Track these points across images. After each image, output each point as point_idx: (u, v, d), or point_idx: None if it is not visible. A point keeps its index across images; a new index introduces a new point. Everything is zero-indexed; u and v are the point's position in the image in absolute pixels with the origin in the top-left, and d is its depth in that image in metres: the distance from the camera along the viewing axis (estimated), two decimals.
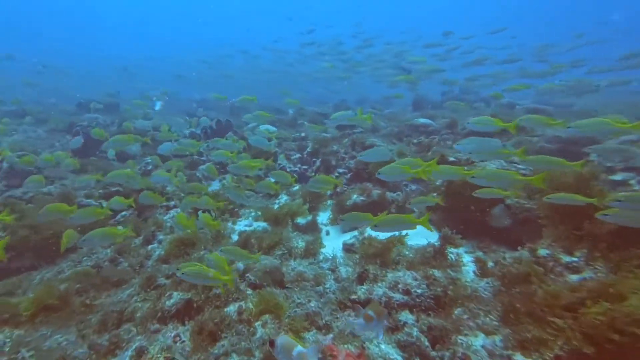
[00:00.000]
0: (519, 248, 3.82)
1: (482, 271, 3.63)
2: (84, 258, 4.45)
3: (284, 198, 7.71)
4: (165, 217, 6.11)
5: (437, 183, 5.74)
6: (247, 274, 3.85)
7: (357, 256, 4.74)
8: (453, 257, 3.96)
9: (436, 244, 4.37)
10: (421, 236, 5.18)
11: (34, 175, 4.52)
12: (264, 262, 3.99)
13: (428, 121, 10.37)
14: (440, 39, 14.76)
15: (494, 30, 13.24)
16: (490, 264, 3.75)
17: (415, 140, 8.65)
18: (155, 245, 5.29)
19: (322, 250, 5.01)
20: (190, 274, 2.80)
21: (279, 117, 16.20)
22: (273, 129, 10.31)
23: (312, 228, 6.10)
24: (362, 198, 6.21)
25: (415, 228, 3.72)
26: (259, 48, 23.98)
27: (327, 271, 4.32)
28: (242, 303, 3.35)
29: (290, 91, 13.68)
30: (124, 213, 6.01)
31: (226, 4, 59.17)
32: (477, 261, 3.84)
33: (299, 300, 3.54)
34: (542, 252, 3.59)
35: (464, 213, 5.00)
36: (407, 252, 4.31)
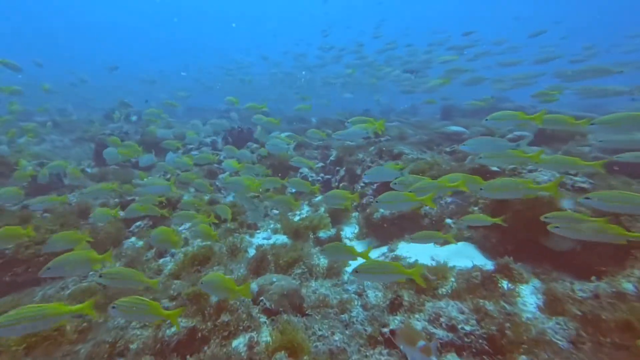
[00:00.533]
0: (593, 279, 3.08)
1: (550, 307, 2.92)
2: (91, 272, 4.15)
3: (305, 209, 7.24)
4: (180, 228, 5.79)
5: (478, 196, 5.05)
6: (262, 297, 3.35)
7: None
8: (506, 285, 3.27)
9: (483, 266, 3.70)
10: (462, 256, 4.50)
11: (11, 188, 4.23)
12: (280, 283, 3.49)
13: (461, 129, 9.63)
14: (467, 41, 13.85)
15: (533, 34, 12.26)
16: (557, 296, 3.03)
17: (448, 149, 7.94)
18: (168, 258, 4.94)
19: (347, 269, 4.45)
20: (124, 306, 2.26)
21: (302, 126, 15.95)
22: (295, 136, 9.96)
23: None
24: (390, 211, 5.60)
25: (403, 280, 3.23)
26: (280, 53, 24.06)
27: (353, 295, 3.75)
28: (254, 334, 2.85)
29: (311, 97, 13.40)
30: (138, 223, 5.76)
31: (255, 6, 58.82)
32: (540, 293, 3.13)
33: (320, 332, 2.99)
34: (627, 286, 2.84)
35: (513, 231, 4.28)
36: (448, 276, 3.65)
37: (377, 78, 15.48)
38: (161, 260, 4.85)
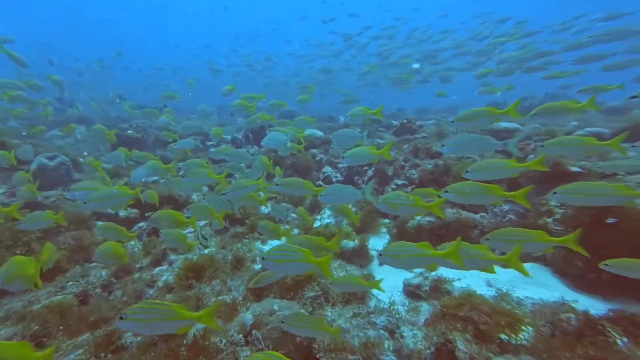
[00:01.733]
0: None
1: None
2: (69, 283, 3.51)
3: (326, 213, 6.32)
4: (184, 232, 5.11)
5: (553, 204, 3.85)
6: (256, 331, 2.47)
7: (427, 307, 3.12)
8: (623, 343, 2.12)
9: (572, 303, 2.56)
10: (532, 283, 3.34)
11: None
12: (284, 312, 2.60)
13: (514, 124, 8.24)
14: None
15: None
16: None
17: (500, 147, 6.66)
18: (165, 267, 4.24)
19: (374, 292, 3.47)
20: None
21: (329, 124, 15.08)
22: (319, 133, 9.09)
23: (361, 256, 4.58)
24: (429, 218, 4.53)
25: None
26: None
27: (382, 332, 2.77)
28: None
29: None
30: (141, 224, 5.16)
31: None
32: None
33: None
34: None
35: (612, 252, 3.07)
36: (521, 315, 2.55)
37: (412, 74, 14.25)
38: (156, 270, 4.15)
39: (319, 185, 7.26)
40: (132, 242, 4.98)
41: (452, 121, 3.31)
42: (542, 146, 2.95)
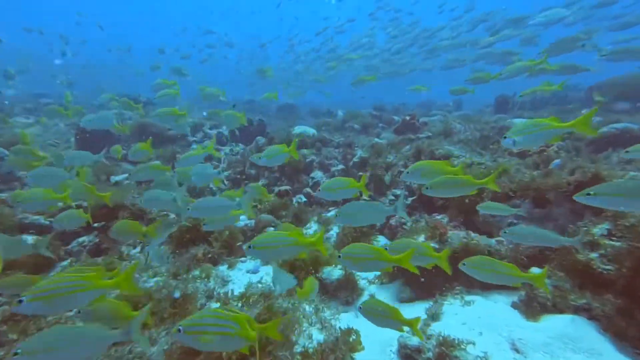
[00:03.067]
0: None
1: None
2: None
3: (313, 227, 5.42)
4: (133, 252, 4.24)
5: (596, 231, 2.91)
6: None
7: None
8: None
9: None
10: (573, 347, 2.43)
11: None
12: None
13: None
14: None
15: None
16: None
17: (515, 149, 5.69)
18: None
19: (357, 356, 2.59)
20: None
21: (327, 119, 14.11)
22: (312, 131, 8.15)
23: (347, 289, 3.69)
24: (433, 244, 3.61)
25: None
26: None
27: None
28: None
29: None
30: (82, 239, 4.28)
31: None
32: None
33: None
34: None
35: None
36: None
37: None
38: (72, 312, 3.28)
39: (308, 193, 6.36)
40: (66, 262, 4.12)
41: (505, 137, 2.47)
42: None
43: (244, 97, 21.53)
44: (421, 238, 3.70)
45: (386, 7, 16.48)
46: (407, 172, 2.75)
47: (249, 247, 2.15)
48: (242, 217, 5.28)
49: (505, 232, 2.67)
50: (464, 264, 2.40)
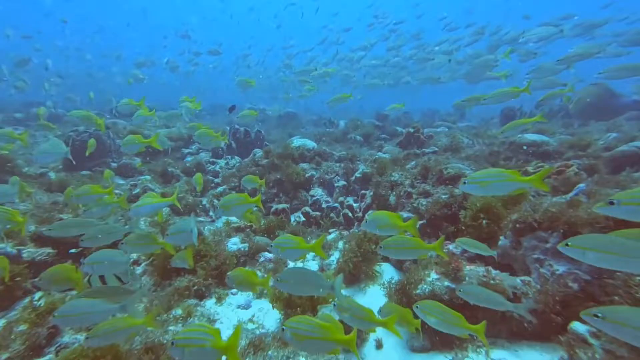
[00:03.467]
0: None
1: None
2: None
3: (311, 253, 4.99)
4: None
5: None
6: None
7: None
8: None
9: None
10: None
11: None
12: None
13: (541, 137, 6.86)
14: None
15: None
16: None
17: (531, 167, 5.27)
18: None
19: None
20: None
21: (328, 130, 13.76)
22: (311, 144, 7.77)
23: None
24: (447, 283, 3.18)
25: None
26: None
27: None
28: None
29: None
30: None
31: None
32: None
33: None
34: None
35: None
36: None
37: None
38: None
39: (306, 212, 5.95)
40: (37, 294, 3.68)
41: None
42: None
43: (245, 105, 21.27)
44: (432, 274, 3.28)
45: (383, 18, 16.45)
46: (365, 221, 2.75)
47: (282, 329, 1.97)
48: (234, 241, 4.88)
49: (460, 291, 2.64)
50: (417, 307, 2.44)
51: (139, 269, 3.82)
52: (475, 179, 2.47)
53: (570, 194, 3.81)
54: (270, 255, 4.62)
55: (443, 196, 4.45)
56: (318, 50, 18.56)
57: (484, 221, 3.84)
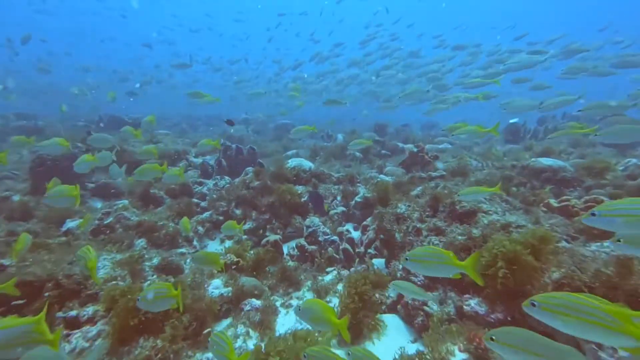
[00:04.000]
0: None
1: None
2: None
3: (306, 297, 4.33)
4: None
5: None
6: None
7: None
8: None
9: None
10: None
11: None
12: None
13: (558, 162, 6.31)
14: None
15: None
16: None
17: (555, 203, 4.67)
18: None
19: None
20: None
21: (326, 144, 13.20)
22: (308, 164, 7.16)
23: None
24: (468, 346, 2.54)
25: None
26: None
27: None
28: None
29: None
30: None
31: None
32: None
33: None
34: None
35: None
36: None
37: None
38: None
39: (302, 246, 5.29)
40: None
41: None
42: None
43: (241, 116, 20.71)
44: (455, 351, 2.64)
45: (376, 35, 16.31)
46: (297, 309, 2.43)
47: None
48: (215, 284, 4.21)
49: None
50: None
51: (93, 330, 3.13)
52: (416, 256, 2.40)
53: (611, 245, 3.21)
54: (257, 303, 3.95)
55: (459, 237, 3.84)
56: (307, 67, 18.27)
57: (501, 270, 3.15)
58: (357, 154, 10.28)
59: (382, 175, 7.17)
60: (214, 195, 6.56)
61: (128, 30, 41.14)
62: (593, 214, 1.94)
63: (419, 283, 3.81)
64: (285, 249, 5.50)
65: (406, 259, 2.46)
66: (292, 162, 7.08)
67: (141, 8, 40.79)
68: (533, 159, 6.55)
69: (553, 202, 4.65)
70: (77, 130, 12.25)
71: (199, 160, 8.51)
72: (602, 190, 5.61)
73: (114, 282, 3.62)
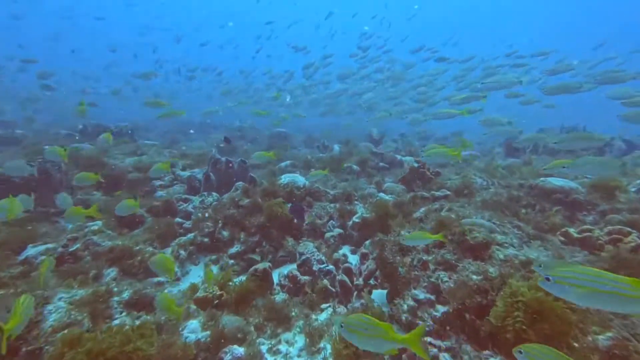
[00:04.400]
0: None
1: None
2: None
3: (298, 344, 3.77)
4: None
5: None
6: None
7: None
8: None
9: None
10: None
11: None
12: None
13: (569, 183, 5.91)
14: None
15: None
16: None
17: (575, 232, 4.22)
18: None
19: None
20: None
21: (321, 155, 12.72)
22: (302, 180, 6.66)
23: None
24: None
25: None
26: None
27: None
28: None
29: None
30: None
31: None
32: None
33: None
34: None
35: None
36: None
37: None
38: None
39: (294, 277, 4.75)
40: None
41: None
42: None
43: (234, 124, 20.21)
44: None
45: (365, 49, 16.33)
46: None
47: None
48: (192, 326, 3.65)
49: None
50: None
51: None
52: (351, 325, 2.14)
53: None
54: (239, 351, 3.40)
55: (474, 276, 3.35)
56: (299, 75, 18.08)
57: (517, 324, 2.65)
58: (354, 166, 9.82)
59: (381, 194, 6.69)
60: (199, 215, 6.00)
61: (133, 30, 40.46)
62: (547, 279, 1.85)
63: (428, 330, 3.30)
64: (275, 277, 4.96)
65: (341, 326, 2.19)
66: (285, 178, 6.58)
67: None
68: (542, 179, 6.13)
69: (572, 231, 4.20)
70: (61, 140, 11.61)
71: (186, 173, 7.96)
72: (618, 215, 5.20)
73: (65, 330, 3.04)
